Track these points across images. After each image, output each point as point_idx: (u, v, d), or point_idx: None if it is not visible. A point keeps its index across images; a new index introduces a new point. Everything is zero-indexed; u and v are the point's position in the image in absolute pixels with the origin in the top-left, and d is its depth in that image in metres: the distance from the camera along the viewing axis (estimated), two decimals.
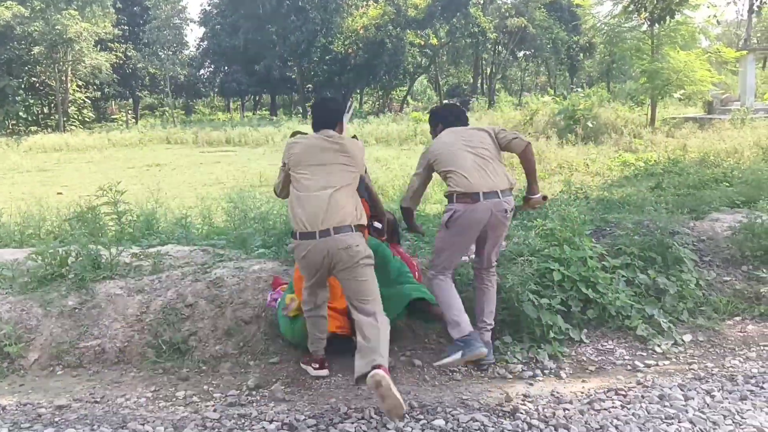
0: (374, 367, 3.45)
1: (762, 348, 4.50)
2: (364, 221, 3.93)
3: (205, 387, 4.07)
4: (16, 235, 6.78)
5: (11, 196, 12.48)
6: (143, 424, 3.47)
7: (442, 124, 4.67)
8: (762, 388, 3.81)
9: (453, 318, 4.14)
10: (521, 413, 3.55)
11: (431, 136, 4.84)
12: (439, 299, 4.31)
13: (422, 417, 3.53)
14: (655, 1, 11.78)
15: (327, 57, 41.83)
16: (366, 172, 4.59)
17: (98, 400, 3.89)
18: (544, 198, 4.62)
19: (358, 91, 47.13)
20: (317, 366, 4.19)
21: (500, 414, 3.55)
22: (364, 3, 42.11)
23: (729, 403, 3.64)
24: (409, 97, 49.03)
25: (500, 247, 4.58)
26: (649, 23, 19.99)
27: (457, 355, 4.05)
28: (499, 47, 45.43)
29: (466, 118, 4.80)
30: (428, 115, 4.99)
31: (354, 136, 4.35)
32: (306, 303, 4.08)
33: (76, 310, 4.59)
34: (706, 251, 5.63)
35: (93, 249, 5.07)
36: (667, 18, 16.40)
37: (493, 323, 4.38)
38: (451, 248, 4.31)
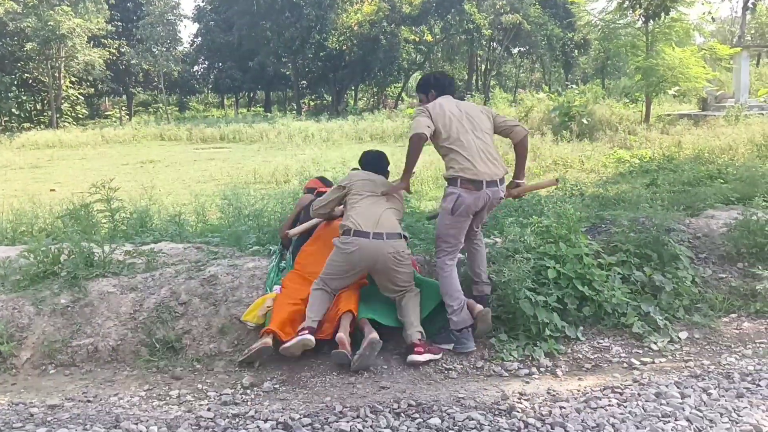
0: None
1: (758, 345, 4.50)
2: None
3: (199, 386, 4.05)
4: (8, 233, 6.73)
5: (3, 193, 12.39)
6: (136, 424, 3.44)
7: (436, 91, 4.64)
8: (758, 385, 3.80)
9: (454, 308, 4.38)
10: (517, 411, 3.53)
11: (422, 105, 4.67)
12: (444, 286, 4.45)
13: (418, 415, 3.51)
14: None
15: (321, 53, 41.70)
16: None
17: (91, 399, 3.86)
18: (557, 180, 5.22)
19: (353, 87, 47.03)
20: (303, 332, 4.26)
21: (496, 412, 3.53)
22: None
23: (725, 400, 3.63)
24: (404, 94, 48.88)
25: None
26: (643, 20, 19.98)
27: (449, 346, 4.39)
28: (494, 44, 45.34)
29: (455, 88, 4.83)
30: (417, 84, 4.88)
31: None
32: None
33: (69, 309, 4.56)
34: (701, 248, 5.62)
35: (86, 246, 5.03)
36: (662, 15, 16.43)
37: (488, 278, 4.71)
38: (457, 232, 4.45)
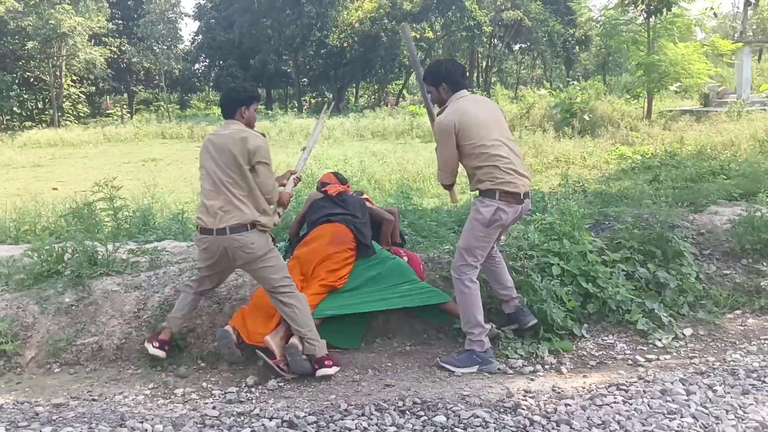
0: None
1: (763, 342, 4.49)
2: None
3: (204, 384, 4.05)
4: (11, 232, 6.74)
5: (6, 192, 12.41)
6: (142, 422, 3.44)
7: (449, 86, 4.19)
8: (764, 382, 3.79)
9: (477, 331, 4.13)
10: (523, 409, 3.52)
11: (432, 98, 4.36)
12: (467, 305, 4.13)
13: (423, 413, 3.51)
14: None
15: (322, 51, 41.69)
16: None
17: (96, 397, 3.86)
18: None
19: (354, 85, 47.00)
20: (157, 345, 4.20)
21: (501, 410, 3.53)
22: None
23: (731, 397, 3.62)
24: (405, 91, 48.89)
25: None
26: (645, 16, 19.96)
27: (474, 368, 4.11)
28: (495, 40, 45.36)
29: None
30: (427, 72, 4.31)
31: (262, 134, 4.16)
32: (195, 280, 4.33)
33: (73, 307, 4.56)
34: (705, 245, 5.61)
35: (89, 245, 5.03)
36: (664, 10, 16.42)
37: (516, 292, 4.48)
38: (487, 245, 4.15)
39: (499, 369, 4.15)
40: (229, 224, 3.87)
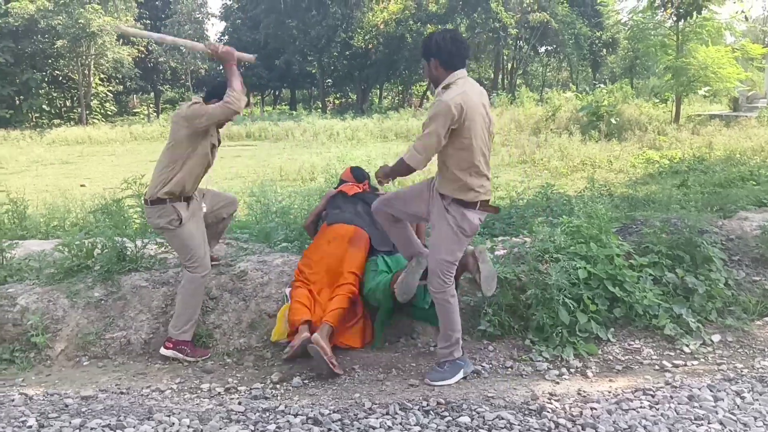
0: None
1: None
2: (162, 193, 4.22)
3: (230, 380, 4.08)
4: (41, 227, 6.84)
5: (35, 188, 12.59)
6: (169, 416, 3.48)
7: (440, 61, 3.70)
8: None
9: (456, 337, 3.98)
10: (548, 412, 3.51)
11: (424, 72, 3.97)
12: (451, 318, 3.94)
13: (447, 414, 3.51)
14: None
15: (347, 52, 41.81)
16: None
17: (124, 391, 3.91)
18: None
19: (378, 86, 47.04)
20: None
21: (526, 412, 3.52)
22: None
23: (759, 404, 3.58)
24: (428, 93, 48.83)
25: None
26: (674, 19, 19.75)
27: (460, 375, 4.00)
28: (521, 42, 45.12)
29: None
30: (424, 42, 3.79)
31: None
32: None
33: (102, 302, 4.63)
34: (734, 250, 5.54)
35: (118, 241, 5.10)
36: (694, 14, 16.25)
37: None
38: (461, 254, 3.95)
39: (523, 372, 4.13)
40: None
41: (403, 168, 3.78)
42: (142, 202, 4.54)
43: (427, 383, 3.94)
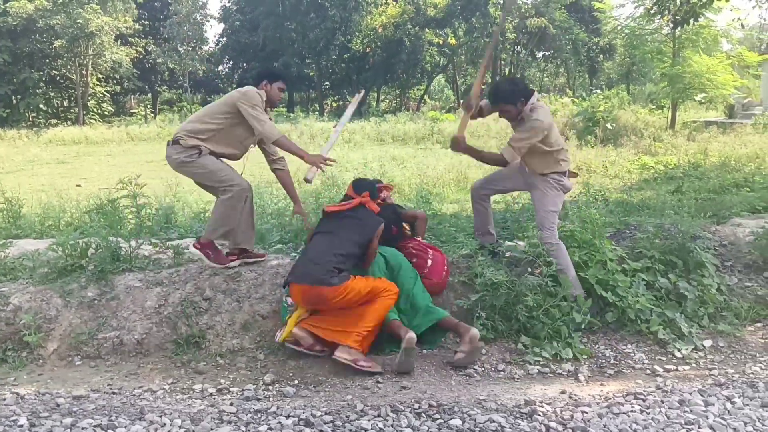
0: None
1: None
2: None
3: (222, 381, 4.08)
4: (36, 226, 6.83)
5: (31, 188, 12.59)
6: (160, 416, 3.48)
7: (525, 99, 4.75)
8: None
9: (574, 277, 4.72)
10: (539, 415, 3.52)
11: (508, 116, 4.88)
12: (563, 260, 4.74)
13: (439, 416, 3.51)
14: (679, 4, 11.65)
15: (345, 55, 41.87)
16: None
17: (116, 391, 3.91)
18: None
19: (376, 89, 47.09)
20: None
21: (518, 415, 3.53)
22: (384, 1, 42.07)
23: (750, 409, 3.59)
24: (426, 96, 48.92)
25: None
26: (671, 26, 19.80)
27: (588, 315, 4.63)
28: (518, 47, 45.25)
29: None
30: (499, 94, 4.87)
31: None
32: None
33: (95, 302, 4.62)
34: (727, 256, 5.56)
35: (113, 241, 5.10)
36: (690, 21, 16.27)
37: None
38: (559, 209, 4.97)
39: (516, 375, 4.16)
40: None
41: (496, 160, 4.86)
42: (166, 143, 4.81)
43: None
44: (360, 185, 4.82)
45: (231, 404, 3.70)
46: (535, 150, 4.76)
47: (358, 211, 4.57)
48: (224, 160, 4.85)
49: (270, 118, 4.78)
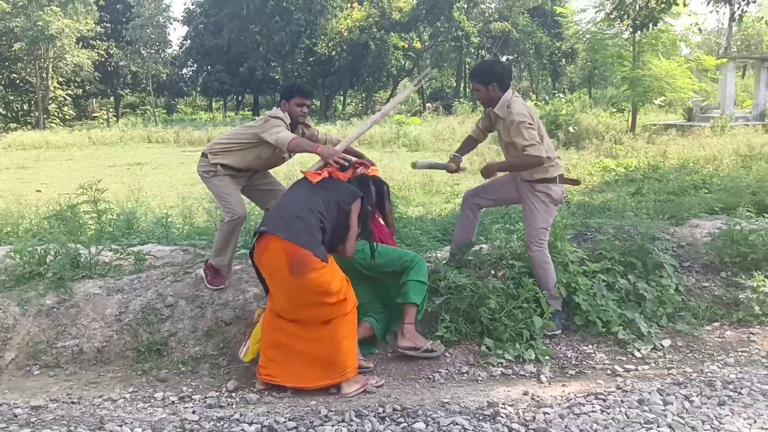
0: None
1: (740, 353, 4.54)
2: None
3: (184, 388, 4.04)
4: None
5: None
6: (121, 426, 3.43)
7: (498, 85, 4.52)
8: (740, 393, 3.84)
9: (555, 291, 4.66)
10: (502, 417, 3.54)
11: (478, 95, 4.64)
12: (546, 273, 4.64)
13: (402, 420, 3.52)
14: (638, 9, 11.89)
15: (311, 58, 41.74)
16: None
17: (75, 400, 3.85)
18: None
19: (342, 92, 47.08)
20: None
21: (481, 417, 3.55)
22: (349, 5, 42.09)
23: (707, 408, 3.66)
24: (392, 100, 49.07)
25: None
26: (631, 31, 20.16)
27: (561, 327, 4.67)
28: (483, 51, 45.65)
29: None
30: (476, 72, 4.75)
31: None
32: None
33: (54, 310, 4.54)
34: (685, 257, 5.67)
35: (72, 248, 5.02)
36: (650, 26, 16.61)
37: None
38: (551, 221, 4.71)
39: (479, 377, 4.19)
40: None
41: (524, 163, 4.50)
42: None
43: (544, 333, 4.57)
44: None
45: (193, 412, 3.66)
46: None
47: (331, 181, 4.20)
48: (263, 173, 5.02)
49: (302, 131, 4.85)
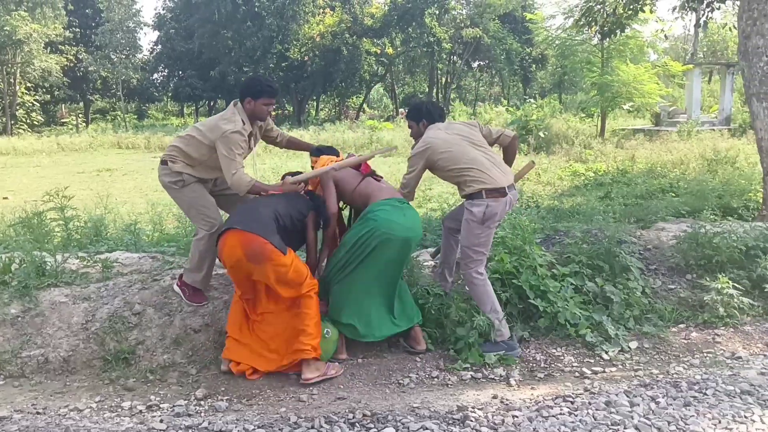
0: None
1: (705, 355, 4.62)
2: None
3: (152, 397, 4.00)
4: None
5: None
6: None
7: (427, 121, 4.78)
8: (705, 394, 3.90)
9: (496, 321, 4.44)
10: (471, 420, 3.56)
11: (412, 132, 4.91)
12: (483, 296, 4.50)
13: (372, 425, 3.52)
14: (606, 16, 12.06)
15: (283, 64, 41.63)
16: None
17: (41, 410, 3.79)
18: (533, 162, 5.55)
19: (315, 98, 47.01)
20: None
21: (450, 421, 3.57)
22: (321, 11, 42.08)
23: (673, 409, 3.72)
24: (365, 105, 49.09)
25: None
26: (599, 37, 20.42)
27: (501, 353, 4.45)
28: (454, 57, 45.89)
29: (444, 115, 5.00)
30: (408, 111, 4.99)
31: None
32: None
33: (19, 319, 4.47)
34: (652, 260, 5.76)
35: (38, 255, 4.94)
36: (617, 32, 16.87)
37: None
38: (487, 240, 4.52)
39: (449, 381, 4.20)
40: None
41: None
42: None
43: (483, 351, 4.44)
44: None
45: (161, 421, 3.63)
46: (435, 168, 4.62)
47: (287, 194, 4.57)
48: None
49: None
